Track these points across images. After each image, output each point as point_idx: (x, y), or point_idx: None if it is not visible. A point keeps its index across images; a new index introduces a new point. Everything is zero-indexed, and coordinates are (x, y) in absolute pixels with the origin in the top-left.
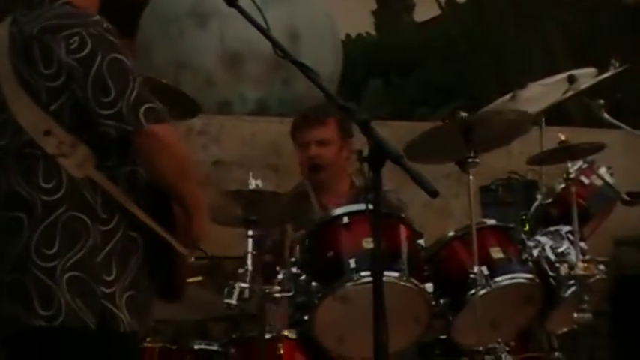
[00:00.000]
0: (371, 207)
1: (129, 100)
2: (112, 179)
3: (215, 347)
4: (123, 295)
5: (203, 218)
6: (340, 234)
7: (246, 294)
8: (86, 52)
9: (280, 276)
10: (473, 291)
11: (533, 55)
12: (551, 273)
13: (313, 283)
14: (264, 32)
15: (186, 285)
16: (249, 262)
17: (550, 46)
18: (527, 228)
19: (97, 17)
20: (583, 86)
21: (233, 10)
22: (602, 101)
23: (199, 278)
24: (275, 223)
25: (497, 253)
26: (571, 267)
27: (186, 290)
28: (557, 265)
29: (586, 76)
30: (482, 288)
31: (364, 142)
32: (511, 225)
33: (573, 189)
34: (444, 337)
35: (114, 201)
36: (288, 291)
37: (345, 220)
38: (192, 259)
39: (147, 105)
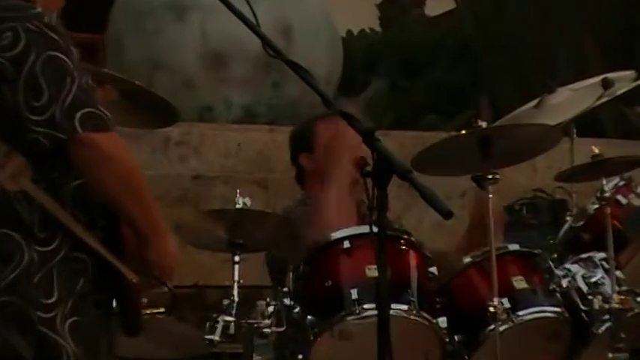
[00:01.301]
0: (375, 229)
1: (63, 105)
2: (55, 194)
3: None
4: (65, 320)
5: (162, 245)
6: (340, 260)
7: (232, 329)
8: (19, 49)
9: (271, 308)
10: (492, 327)
11: (561, 55)
12: (582, 306)
13: (308, 317)
14: (253, 27)
15: (141, 318)
16: (235, 292)
17: (580, 45)
18: (554, 254)
19: (39, 10)
20: (620, 92)
21: (216, 2)
22: None
23: (160, 310)
24: (264, 247)
25: (520, 283)
26: (605, 300)
27: (143, 324)
28: (589, 297)
29: (623, 80)
30: (503, 323)
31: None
32: (536, 251)
33: (608, 210)
34: None
35: (54, 218)
36: (280, 326)
37: (346, 244)
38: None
39: (85, 110)
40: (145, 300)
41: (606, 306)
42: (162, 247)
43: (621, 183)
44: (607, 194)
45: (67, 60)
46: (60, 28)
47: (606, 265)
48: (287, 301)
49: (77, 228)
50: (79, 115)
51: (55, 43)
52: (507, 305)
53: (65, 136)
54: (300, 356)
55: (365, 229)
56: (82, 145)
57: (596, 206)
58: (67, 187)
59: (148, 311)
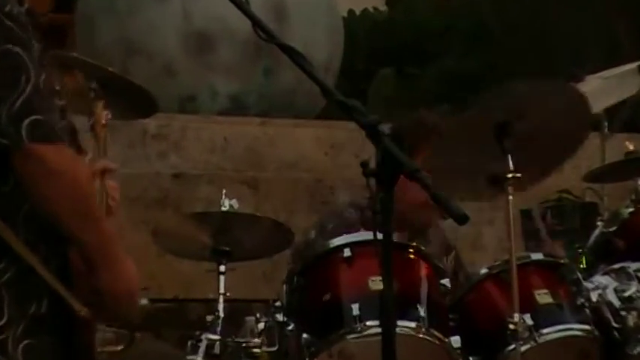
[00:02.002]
0: (380, 235)
1: (12, 107)
2: (5, 211)
3: None
4: (18, 343)
5: (114, 270)
6: (340, 271)
7: (217, 349)
8: None
9: (261, 325)
10: (512, 346)
11: (589, 38)
12: (614, 324)
13: (304, 335)
14: (241, 6)
15: (94, 355)
16: (220, 306)
17: (611, 27)
18: (583, 264)
19: None
20: None
21: None
22: None
23: (117, 349)
24: (254, 255)
25: (543, 297)
26: None
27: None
28: (622, 313)
29: None
30: (525, 343)
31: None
32: (562, 260)
33: None
34: None
35: None
36: (272, 345)
37: (347, 252)
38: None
39: (34, 117)
40: (107, 334)
41: None
42: (115, 272)
43: None
44: None
45: (25, 55)
46: (22, 19)
47: None
48: (279, 316)
49: (20, 246)
50: (27, 122)
51: (14, 35)
52: (529, 322)
53: (8, 142)
54: None
55: (368, 235)
56: (26, 157)
57: (631, 209)
58: (19, 207)
59: (104, 349)
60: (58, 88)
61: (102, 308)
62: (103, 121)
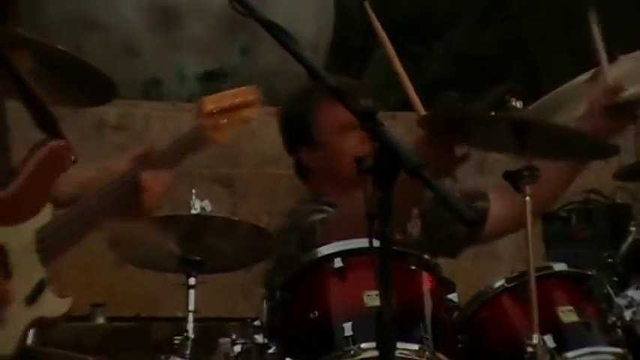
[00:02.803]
0: (377, 243)
1: None
2: None
3: None
4: None
5: None
6: (330, 284)
7: None
8: None
9: (237, 348)
10: None
11: (623, 13)
12: None
13: None
14: None
15: None
16: (189, 326)
17: None
18: (614, 277)
19: None
20: None
21: None
22: None
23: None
24: (229, 266)
25: (568, 314)
26: None
27: None
28: None
29: None
30: None
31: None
32: (590, 272)
33: None
34: None
35: None
36: None
37: (337, 262)
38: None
39: None
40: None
41: None
42: None
43: None
44: None
45: None
46: None
47: None
48: (259, 338)
49: None
50: None
51: None
52: (551, 344)
53: None
54: None
55: (363, 242)
56: None
57: None
58: None
59: None
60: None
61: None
62: None
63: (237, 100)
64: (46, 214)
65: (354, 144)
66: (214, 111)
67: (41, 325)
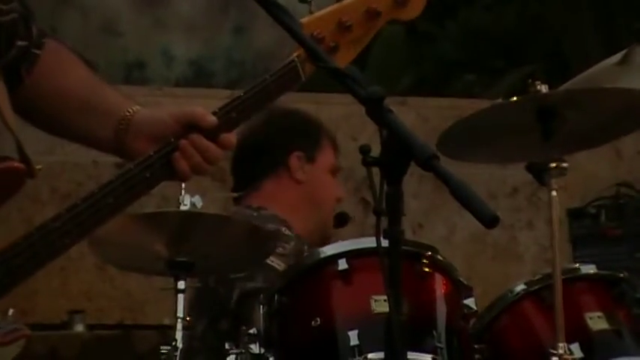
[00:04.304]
0: (385, 242)
1: None
2: None
3: None
4: None
5: None
6: (333, 288)
7: None
8: None
9: (231, 358)
10: None
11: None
12: None
13: None
14: None
15: None
16: (178, 335)
17: None
18: None
19: None
20: None
21: None
22: None
23: None
24: (223, 267)
25: (597, 321)
26: None
27: None
28: None
29: None
30: None
31: (372, 132)
32: (622, 274)
33: None
34: None
35: None
36: None
37: (342, 264)
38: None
39: None
40: None
41: None
42: None
43: None
44: None
45: None
46: None
47: None
48: (255, 347)
49: None
50: None
51: None
52: (579, 354)
53: None
54: None
55: (369, 242)
56: None
57: None
58: None
59: None
60: None
61: None
62: None
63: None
64: None
65: (336, 192)
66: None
67: None
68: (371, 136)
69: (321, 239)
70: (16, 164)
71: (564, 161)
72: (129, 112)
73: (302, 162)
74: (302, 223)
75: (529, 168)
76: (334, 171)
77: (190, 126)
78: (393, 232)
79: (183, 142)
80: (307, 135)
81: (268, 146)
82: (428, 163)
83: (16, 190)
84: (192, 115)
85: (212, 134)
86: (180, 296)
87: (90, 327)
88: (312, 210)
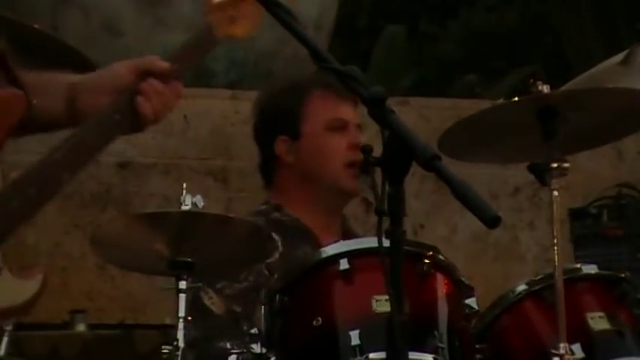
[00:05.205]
0: (387, 242)
1: None
2: None
3: None
4: None
5: None
6: (335, 288)
7: None
8: None
9: (233, 358)
10: None
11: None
12: None
13: None
14: None
15: None
16: (180, 334)
17: None
18: None
19: None
20: None
21: None
22: None
23: None
24: (223, 268)
25: (599, 321)
26: None
27: None
28: None
29: None
30: None
31: (374, 132)
32: (623, 274)
33: None
34: None
35: None
36: None
37: (343, 264)
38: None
39: None
40: None
41: None
42: None
43: None
44: None
45: None
46: None
47: None
48: (256, 347)
49: None
50: None
51: None
52: (580, 354)
53: None
54: None
55: (371, 241)
56: None
57: None
58: None
59: None
60: None
61: None
62: None
63: None
64: None
65: (340, 146)
66: (222, 2)
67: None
68: (372, 136)
69: (334, 199)
70: (15, 92)
71: (566, 161)
72: (75, 79)
73: (288, 144)
74: (305, 206)
75: (531, 168)
76: (334, 124)
77: (145, 73)
78: (395, 232)
79: (142, 84)
80: (285, 114)
81: (260, 142)
82: (430, 164)
83: (10, 124)
84: (146, 62)
85: (164, 79)
86: (182, 296)
87: (91, 327)
88: (313, 184)
